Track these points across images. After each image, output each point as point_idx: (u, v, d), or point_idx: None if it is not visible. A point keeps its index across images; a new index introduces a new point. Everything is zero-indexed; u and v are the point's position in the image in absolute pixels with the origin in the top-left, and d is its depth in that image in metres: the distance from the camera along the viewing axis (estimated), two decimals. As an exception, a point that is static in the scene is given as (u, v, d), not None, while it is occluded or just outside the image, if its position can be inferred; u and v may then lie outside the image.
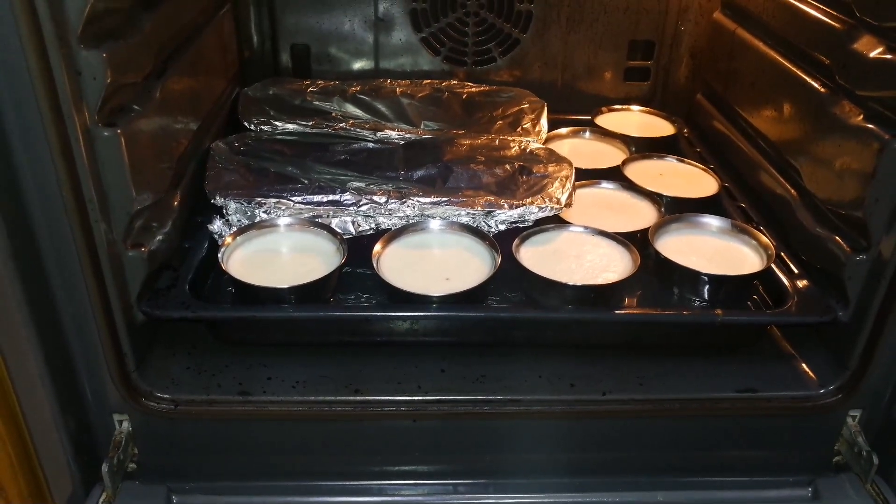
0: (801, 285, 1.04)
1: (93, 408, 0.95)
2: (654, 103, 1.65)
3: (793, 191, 1.15)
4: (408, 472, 1.02)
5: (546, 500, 1.01)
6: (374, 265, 1.02)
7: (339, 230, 1.07)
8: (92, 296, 0.86)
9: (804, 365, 1.02)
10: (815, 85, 1.08)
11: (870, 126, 0.94)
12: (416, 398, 0.95)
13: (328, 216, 1.09)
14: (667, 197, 1.23)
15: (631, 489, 1.02)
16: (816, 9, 1.11)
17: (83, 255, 0.83)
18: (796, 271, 1.08)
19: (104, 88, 0.80)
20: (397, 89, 1.50)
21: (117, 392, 0.92)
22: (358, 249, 1.05)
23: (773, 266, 1.07)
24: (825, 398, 0.99)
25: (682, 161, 1.38)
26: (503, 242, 1.07)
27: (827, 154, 1.04)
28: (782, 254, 1.11)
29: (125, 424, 0.96)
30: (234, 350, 1.00)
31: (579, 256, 1.07)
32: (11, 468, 0.92)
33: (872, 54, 0.94)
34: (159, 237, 0.96)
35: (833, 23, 1.05)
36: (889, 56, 0.92)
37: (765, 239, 1.11)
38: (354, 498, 1.00)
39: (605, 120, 1.53)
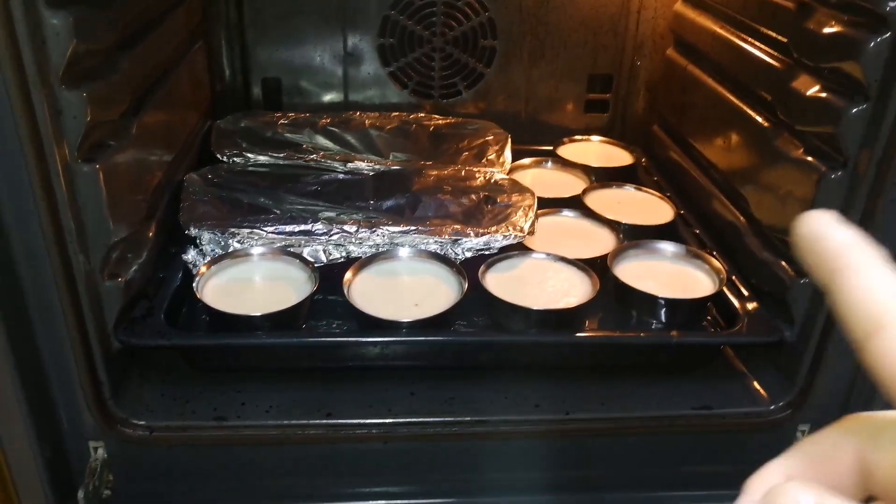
0: (750, 307, 1.10)
1: (69, 435, 0.97)
2: (614, 133, 1.72)
3: (742, 218, 1.21)
4: (380, 493, 1.05)
5: (513, 517, 1.05)
6: (345, 292, 1.05)
7: (310, 259, 1.11)
8: (69, 325, 0.88)
9: (755, 383, 1.08)
10: (759, 119, 1.15)
11: (809, 158, 1.00)
12: (386, 421, 0.98)
13: (300, 245, 1.12)
14: (625, 224, 1.29)
15: (594, 505, 1.06)
16: (759, 49, 1.18)
17: (62, 286, 0.85)
18: (746, 294, 1.14)
19: (84, 126, 0.83)
20: (366, 121, 1.55)
21: (93, 419, 0.94)
22: (329, 277, 1.08)
23: (724, 289, 1.13)
24: (776, 413, 1.04)
25: (640, 189, 1.44)
26: (469, 269, 1.11)
27: (771, 183, 1.10)
28: (734, 278, 1.17)
29: (100, 451, 0.97)
30: (208, 377, 1.03)
31: (542, 282, 1.12)
32: (-14, 497, 0.93)
33: (809, 92, 1.01)
34: (135, 267, 0.99)
35: (773, 62, 1.13)
36: (824, 94, 0.99)
37: (717, 263, 1.17)
38: (327, 519, 1.02)
39: (567, 150, 1.59)
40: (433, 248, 1.15)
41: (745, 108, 1.20)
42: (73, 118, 0.82)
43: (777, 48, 1.13)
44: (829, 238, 0.31)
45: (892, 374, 0.27)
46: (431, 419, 0.99)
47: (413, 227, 1.15)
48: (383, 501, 1.05)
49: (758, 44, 1.19)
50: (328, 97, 1.66)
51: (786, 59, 1.10)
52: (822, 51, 0.99)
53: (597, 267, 1.15)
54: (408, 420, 0.99)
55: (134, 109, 1.02)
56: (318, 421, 0.97)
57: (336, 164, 1.38)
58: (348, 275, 1.08)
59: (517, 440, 1.02)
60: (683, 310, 1.11)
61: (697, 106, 1.42)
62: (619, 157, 1.60)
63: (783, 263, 1.07)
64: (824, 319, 1.00)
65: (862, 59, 0.89)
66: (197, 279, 1.05)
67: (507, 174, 1.40)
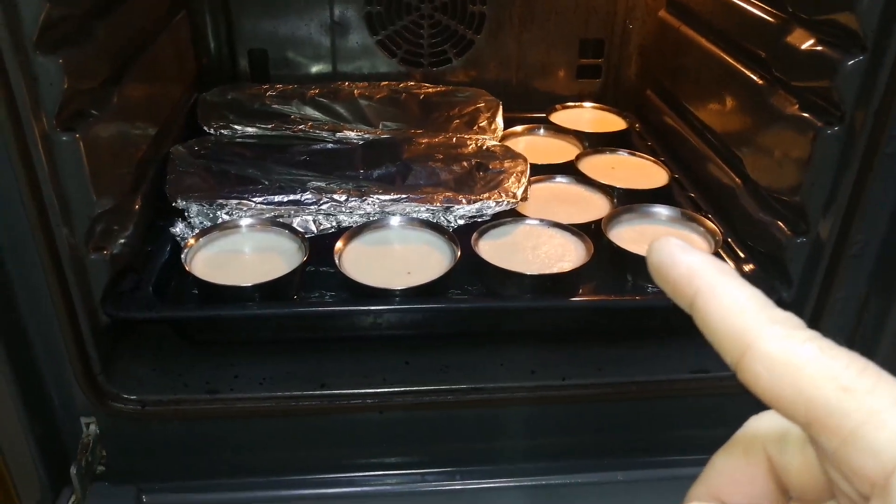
0: (747, 269, 1.09)
1: (59, 411, 0.96)
2: (606, 99, 1.70)
3: (737, 179, 1.20)
4: (376, 464, 1.04)
5: (511, 484, 1.04)
6: (337, 262, 1.04)
7: (300, 229, 1.09)
8: (55, 299, 0.86)
9: (752, 344, 1.07)
10: (754, 77, 1.13)
11: (805, 115, 0.99)
12: (381, 390, 0.97)
13: (289, 216, 1.11)
14: (619, 189, 1.27)
15: (592, 470, 1.05)
16: (751, 4, 1.16)
17: (45, 260, 0.84)
18: (742, 256, 1.13)
19: (61, 94, 0.81)
20: (355, 91, 1.52)
21: (84, 395, 0.93)
22: (320, 248, 1.07)
23: (720, 251, 1.11)
24: (773, 375, 1.03)
25: (634, 154, 1.42)
26: (462, 236, 1.10)
27: (767, 143, 1.09)
28: (729, 240, 1.16)
29: (92, 427, 0.96)
30: (199, 350, 1.02)
31: (535, 248, 1.11)
32: (-22, 475, 0.92)
33: (804, 46, 0.99)
34: (121, 240, 0.97)
35: (767, 17, 1.10)
36: (819, 48, 0.97)
37: (712, 226, 1.15)
38: (324, 490, 1.02)
39: (559, 117, 1.57)
40: (425, 216, 1.13)
41: (739, 66, 1.18)
42: (49, 85, 0.80)
43: (770, 2, 1.11)
44: (679, 264, 0.31)
45: (770, 394, 0.27)
46: (426, 388, 0.98)
47: (404, 196, 1.14)
48: (380, 472, 1.04)
49: (751, -1, 1.17)
50: (316, 68, 1.64)
51: (779, 14, 1.07)
52: (817, 1, 0.97)
53: (591, 232, 1.14)
54: (403, 389, 0.98)
55: (114, 79, 1.00)
56: (312, 392, 0.96)
57: (325, 134, 1.36)
58: (339, 244, 1.07)
59: (513, 407, 1.02)
60: (679, 272, 1.10)
61: (691, 68, 1.40)
62: (613, 122, 1.58)
63: (779, 223, 1.05)
64: (822, 278, 0.99)
65: (857, 10, 0.87)
66: (185, 251, 1.03)
67: (500, 141, 1.38)
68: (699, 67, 1.36)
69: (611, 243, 1.12)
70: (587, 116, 1.60)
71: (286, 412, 0.97)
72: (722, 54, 1.25)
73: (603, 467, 1.06)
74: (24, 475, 0.94)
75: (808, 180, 0.98)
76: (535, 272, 1.03)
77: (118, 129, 0.99)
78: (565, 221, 1.15)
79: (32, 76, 0.78)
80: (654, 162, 1.40)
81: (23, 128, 0.78)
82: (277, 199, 1.11)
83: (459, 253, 1.06)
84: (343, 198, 1.12)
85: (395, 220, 1.12)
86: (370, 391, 0.97)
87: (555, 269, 1.05)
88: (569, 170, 1.33)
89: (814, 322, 1.02)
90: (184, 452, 1.00)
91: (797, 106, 1.01)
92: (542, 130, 1.51)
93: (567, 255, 1.09)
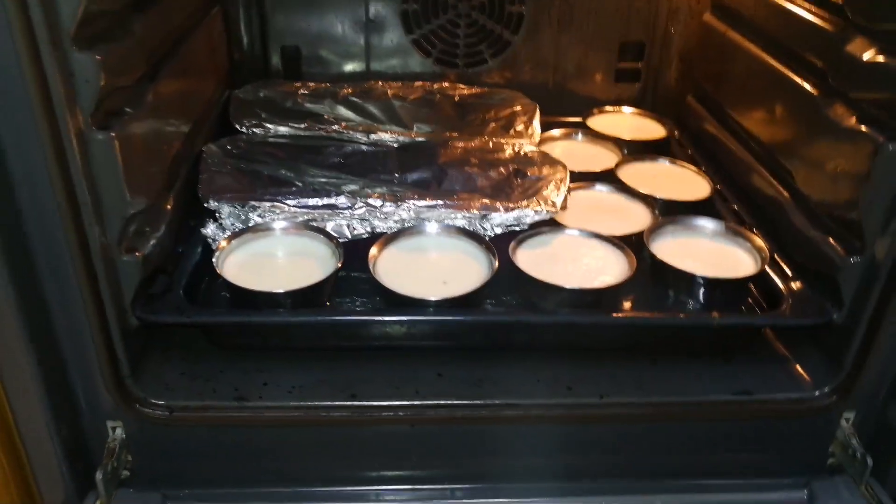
0: (795, 287, 1.05)
1: (86, 415, 0.94)
2: (645, 104, 1.65)
3: (786, 193, 1.15)
4: (405, 478, 1.02)
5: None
6: (371, 269, 1.01)
7: (334, 234, 1.07)
8: (86, 301, 0.84)
9: (799, 367, 1.03)
10: (808, 87, 1.09)
11: (863, 128, 0.94)
12: (413, 403, 0.95)
13: (323, 219, 1.08)
14: (661, 199, 1.23)
15: (628, 493, 1.02)
16: (808, 10, 1.11)
17: (77, 260, 0.82)
18: (790, 273, 1.08)
19: (98, 91, 0.79)
20: (389, 91, 1.49)
21: (111, 399, 0.91)
22: (354, 253, 1.04)
23: (767, 269, 1.07)
24: (820, 400, 0.99)
25: (675, 163, 1.38)
26: (499, 245, 1.06)
27: (820, 156, 1.04)
28: (776, 256, 1.12)
29: (119, 431, 0.94)
30: (229, 355, 0.99)
31: (575, 259, 1.07)
32: (3, 476, 0.90)
33: (865, 57, 0.95)
34: (153, 241, 0.95)
35: (825, 25, 1.06)
36: (882, 58, 0.92)
37: (759, 241, 1.11)
38: (352, 504, 0.99)
39: (597, 121, 1.53)
40: (461, 223, 1.10)
41: (791, 75, 1.14)
42: (85, 82, 0.77)
43: (829, 9, 1.06)
44: None
45: None
46: (460, 402, 0.95)
47: (440, 202, 1.11)
48: (409, 486, 1.01)
49: (807, 5, 1.12)
50: (349, 66, 1.61)
51: (839, 21, 1.03)
52: (880, 9, 0.92)
53: (632, 244, 1.10)
54: (435, 402, 0.95)
55: (150, 76, 0.97)
56: (342, 402, 0.94)
57: (358, 136, 1.33)
58: (374, 250, 1.04)
59: (549, 424, 0.98)
60: (724, 289, 1.06)
61: (737, 74, 1.35)
62: (652, 129, 1.54)
63: (831, 241, 1.01)
64: (876, 301, 0.95)
65: (930, 20, 0.82)
66: (217, 254, 1.01)
67: (537, 146, 1.34)
68: (746, 74, 1.31)
69: (653, 257, 1.08)
70: (625, 122, 1.56)
71: (315, 422, 0.95)
72: (772, 61, 1.20)
73: (641, 490, 1.02)
74: (48, 478, 0.93)
75: (866, 197, 0.93)
76: (576, 286, 1.00)
77: (152, 126, 0.97)
78: (605, 232, 1.11)
79: (69, 72, 0.76)
80: (695, 171, 1.36)
81: (58, 125, 0.76)
82: (312, 202, 1.08)
83: (497, 263, 1.02)
84: (378, 202, 1.09)
85: (431, 227, 1.09)
86: (402, 403, 0.95)
87: (596, 283, 1.02)
88: (609, 178, 1.29)
89: (865, 347, 0.97)
90: (210, 459, 0.98)
91: (855, 119, 0.97)
92: (579, 136, 1.48)
93: (608, 268, 1.06)
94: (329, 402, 0.94)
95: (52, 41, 0.73)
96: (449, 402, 0.95)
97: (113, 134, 0.82)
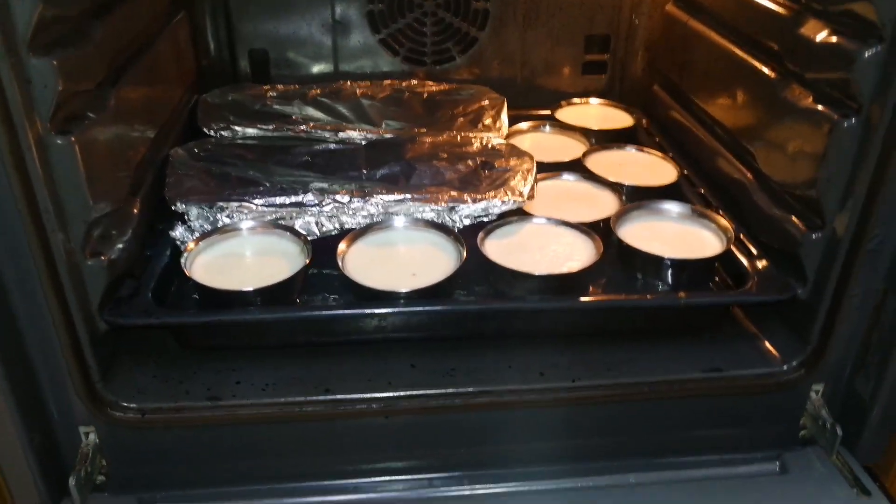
0: (760, 266, 1.07)
1: (57, 421, 0.94)
2: (612, 95, 1.67)
3: (749, 175, 1.17)
4: (382, 469, 1.02)
5: (521, 488, 1.02)
6: (340, 265, 1.01)
7: (302, 231, 1.07)
8: (52, 306, 0.84)
9: (767, 343, 1.05)
10: (766, 70, 1.11)
11: (819, 108, 0.96)
12: (387, 395, 0.95)
13: (291, 218, 1.09)
14: (628, 186, 1.25)
15: (604, 473, 1.03)
16: (763, -4, 1.13)
17: (41, 266, 0.82)
18: (755, 252, 1.10)
19: (56, 96, 0.79)
20: (358, 91, 1.50)
21: (82, 404, 0.91)
22: (323, 250, 1.04)
23: (732, 248, 1.09)
24: (788, 374, 1.01)
25: (642, 150, 1.40)
26: (468, 237, 1.07)
27: (780, 137, 1.06)
28: (741, 236, 1.13)
29: (91, 436, 0.94)
30: (201, 356, 0.99)
31: (543, 247, 1.08)
32: (-25, 487, 0.90)
33: (818, 38, 0.97)
34: (119, 245, 0.95)
35: (780, 9, 1.08)
36: (834, 39, 0.94)
37: (724, 222, 1.13)
38: (330, 497, 1.00)
39: (565, 114, 1.54)
40: (430, 216, 1.11)
41: (750, 60, 1.16)
42: (43, 87, 0.78)
43: (783, -6, 1.08)
44: None
45: None
46: (433, 391, 0.96)
47: (408, 196, 1.11)
48: (386, 477, 1.02)
49: (762, -9, 1.14)
50: (317, 68, 1.62)
51: (793, 5, 1.05)
52: (832, -9, 0.94)
53: (600, 230, 1.11)
54: (409, 393, 0.95)
55: (111, 80, 0.98)
56: (316, 398, 0.94)
57: (327, 135, 1.33)
58: (342, 246, 1.05)
59: (522, 410, 0.99)
60: (691, 270, 1.08)
61: (699, 62, 1.37)
62: (619, 118, 1.55)
63: (793, 219, 1.03)
64: (838, 275, 0.97)
65: (875, -1, 0.84)
66: (185, 255, 1.01)
67: (505, 139, 1.35)
68: (708, 62, 1.33)
69: (620, 241, 1.09)
70: (593, 113, 1.58)
71: (289, 418, 0.95)
72: (732, 48, 1.22)
73: (615, 470, 1.03)
74: (21, 486, 0.92)
75: (824, 174, 0.95)
76: (544, 272, 1.01)
77: (116, 131, 0.97)
78: (573, 220, 1.13)
79: (26, 78, 0.76)
80: (662, 157, 1.37)
81: (16, 131, 0.76)
82: (279, 200, 1.09)
83: (465, 253, 1.03)
84: (346, 199, 1.09)
85: (399, 221, 1.10)
86: (375, 396, 0.95)
87: (564, 269, 1.03)
88: (576, 167, 1.30)
89: (829, 320, 0.99)
90: (185, 461, 0.98)
91: (811, 99, 0.99)
92: (547, 128, 1.49)
93: (576, 254, 1.07)
94: (302, 398, 0.94)
95: (7, 48, 0.73)
96: (422, 392, 0.96)
97: (73, 138, 0.82)
